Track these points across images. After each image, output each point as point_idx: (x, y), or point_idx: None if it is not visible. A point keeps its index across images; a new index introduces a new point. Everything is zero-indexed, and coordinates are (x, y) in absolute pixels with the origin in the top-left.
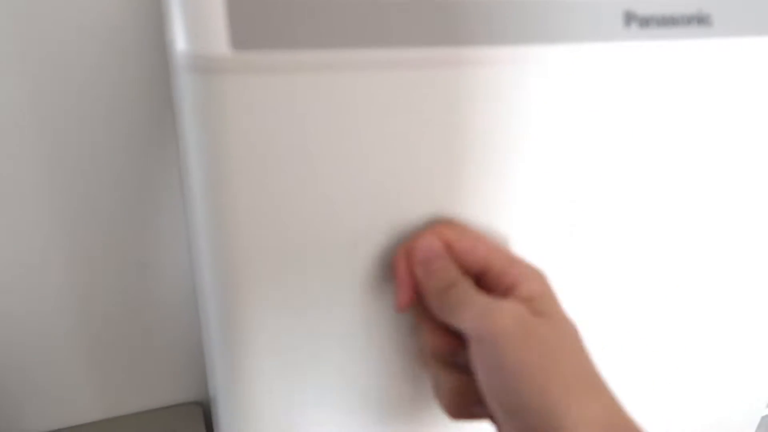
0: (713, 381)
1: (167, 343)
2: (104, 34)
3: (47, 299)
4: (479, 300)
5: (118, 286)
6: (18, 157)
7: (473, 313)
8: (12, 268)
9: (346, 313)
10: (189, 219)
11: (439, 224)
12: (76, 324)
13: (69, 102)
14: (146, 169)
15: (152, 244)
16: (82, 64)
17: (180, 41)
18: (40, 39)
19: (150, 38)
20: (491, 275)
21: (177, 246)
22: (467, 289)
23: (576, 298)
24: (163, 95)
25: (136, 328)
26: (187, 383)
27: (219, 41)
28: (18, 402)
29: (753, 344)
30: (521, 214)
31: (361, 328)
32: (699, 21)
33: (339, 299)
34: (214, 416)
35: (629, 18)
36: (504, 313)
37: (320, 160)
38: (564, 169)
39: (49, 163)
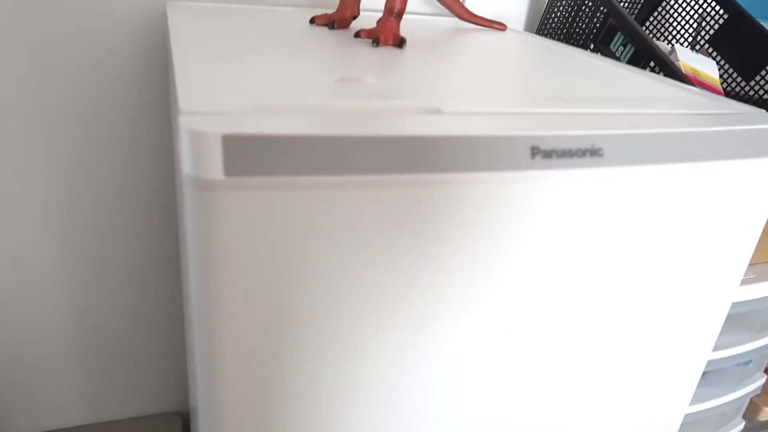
0: (637, 385)
1: (152, 356)
2: (119, 86)
3: (40, 307)
4: None
5: (110, 300)
6: (19, 165)
7: None
8: (7, 281)
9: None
10: (182, 245)
11: None
12: (67, 333)
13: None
14: (143, 192)
15: (143, 264)
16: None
17: (186, 166)
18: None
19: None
20: None
21: (167, 268)
22: None
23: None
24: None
25: (123, 339)
26: (168, 394)
27: (216, 169)
28: (6, 404)
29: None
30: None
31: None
32: (592, 153)
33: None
34: (193, 427)
35: (535, 151)
36: None
37: (288, 257)
38: (482, 266)
39: (51, 180)
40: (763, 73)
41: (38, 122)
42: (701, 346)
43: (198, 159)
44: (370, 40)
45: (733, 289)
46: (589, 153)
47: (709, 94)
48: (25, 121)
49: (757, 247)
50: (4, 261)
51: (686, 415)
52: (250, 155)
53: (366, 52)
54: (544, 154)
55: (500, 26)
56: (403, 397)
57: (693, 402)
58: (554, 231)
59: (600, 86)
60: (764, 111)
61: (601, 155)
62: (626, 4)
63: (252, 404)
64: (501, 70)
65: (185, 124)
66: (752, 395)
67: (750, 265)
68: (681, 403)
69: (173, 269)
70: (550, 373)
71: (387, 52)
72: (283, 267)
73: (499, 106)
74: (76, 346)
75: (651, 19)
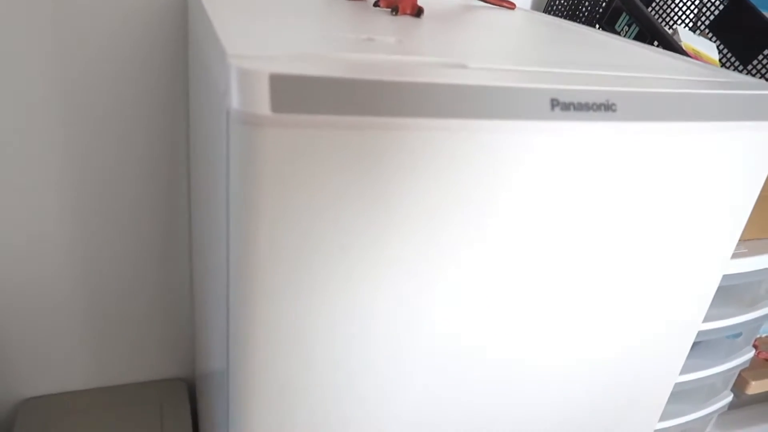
0: (607, 397)
1: (159, 322)
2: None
3: (46, 272)
4: None
5: (115, 266)
6: (33, 137)
7: None
8: (13, 247)
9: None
10: (194, 213)
11: None
12: (73, 299)
13: (96, 100)
14: (154, 163)
15: (154, 229)
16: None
17: (235, 103)
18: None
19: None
20: None
21: (178, 234)
22: None
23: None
24: (175, 98)
25: (132, 305)
26: (173, 360)
27: (263, 106)
28: (12, 367)
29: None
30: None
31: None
32: (606, 108)
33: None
34: (199, 392)
35: (554, 103)
36: None
37: (325, 192)
38: (494, 216)
39: (63, 147)
40: (760, 57)
41: (54, 90)
42: (694, 312)
43: (246, 96)
44: (389, 9)
45: (728, 252)
46: (603, 107)
47: (711, 66)
48: (41, 89)
49: (751, 222)
50: (10, 228)
51: (676, 384)
52: (295, 94)
53: (386, 19)
54: (563, 106)
55: (510, 5)
56: (428, 329)
57: (683, 372)
58: (568, 181)
59: (610, 55)
60: (764, 80)
61: (614, 110)
62: None
63: (286, 343)
64: (516, 40)
65: (235, 64)
66: (741, 368)
67: (742, 240)
68: (672, 371)
69: (180, 235)
70: (547, 329)
71: (406, 20)
72: (319, 201)
73: (520, 65)
74: (81, 312)
75: (653, 4)
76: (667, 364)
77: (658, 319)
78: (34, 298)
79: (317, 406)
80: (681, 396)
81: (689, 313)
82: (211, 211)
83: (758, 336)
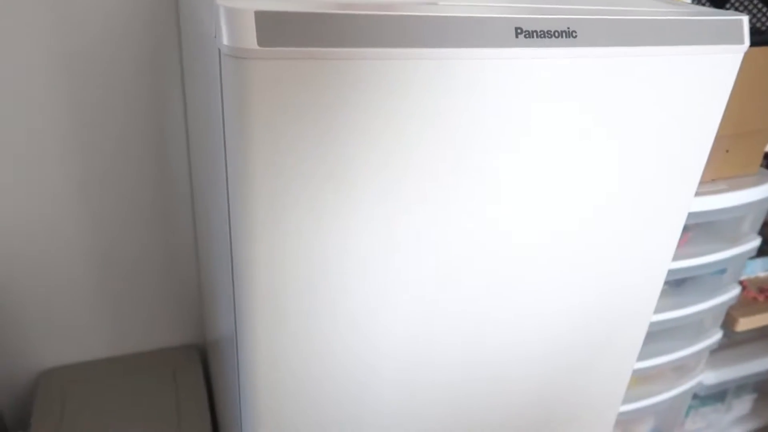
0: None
1: (167, 289)
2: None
3: (58, 244)
4: None
5: (126, 237)
6: (39, 109)
7: None
8: (26, 221)
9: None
10: (196, 176)
11: None
12: (88, 269)
13: (92, 72)
14: (154, 128)
15: (159, 200)
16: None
17: (225, 39)
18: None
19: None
20: None
21: (181, 203)
22: None
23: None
24: (172, 65)
25: (142, 277)
26: (185, 327)
27: (250, 40)
28: (31, 339)
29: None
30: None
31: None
32: (567, 35)
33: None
34: (211, 358)
35: (518, 31)
36: None
37: (311, 121)
38: (463, 145)
39: (67, 121)
40: (733, 0)
41: (57, 66)
42: (664, 244)
43: (234, 33)
44: None
45: (694, 181)
46: (564, 34)
47: (678, 2)
48: (45, 64)
49: (731, 159)
50: (22, 205)
51: (666, 321)
52: (279, 29)
53: None
54: (526, 34)
55: None
56: (419, 256)
57: (672, 308)
58: (533, 108)
59: None
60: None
61: (575, 36)
62: None
63: (285, 281)
64: None
65: (222, 4)
66: (728, 305)
67: (723, 178)
68: (646, 309)
69: (183, 199)
70: (519, 262)
71: None
72: (307, 130)
73: (487, 1)
74: (94, 284)
75: None
76: (641, 300)
77: (629, 252)
78: (47, 273)
79: (323, 349)
80: (672, 333)
81: (659, 245)
82: (211, 151)
83: (747, 277)
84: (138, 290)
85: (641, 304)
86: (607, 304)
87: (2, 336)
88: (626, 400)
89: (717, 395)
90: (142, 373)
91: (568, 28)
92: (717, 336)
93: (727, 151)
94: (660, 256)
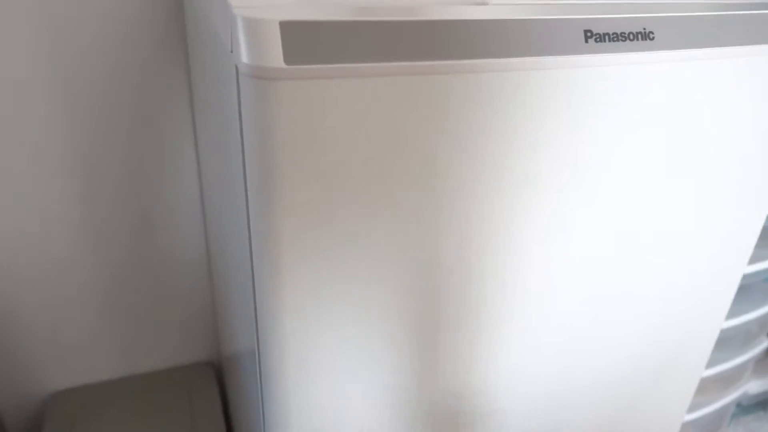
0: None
1: (180, 306)
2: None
3: (67, 262)
4: None
5: (134, 252)
6: (38, 124)
7: None
8: (33, 239)
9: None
10: (206, 189)
11: None
12: (95, 287)
13: (92, 67)
14: (160, 136)
15: (168, 213)
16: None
17: (245, 56)
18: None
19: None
20: None
21: (191, 217)
22: None
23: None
24: (177, 61)
25: (152, 292)
26: (198, 343)
27: (276, 57)
28: (40, 361)
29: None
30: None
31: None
32: (643, 37)
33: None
34: (227, 375)
35: (588, 35)
36: None
37: (345, 145)
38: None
39: (68, 127)
40: None
41: (56, 65)
42: (739, 251)
43: (256, 48)
44: None
45: None
46: (641, 36)
47: None
48: (44, 64)
49: None
50: (23, 221)
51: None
52: (309, 42)
53: None
54: (597, 37)
55: None
56: (477, 271)
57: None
58: (606, 116)
59: None
60: None
61: (652, 38)
62: None
63: (314, 312)
64: None
65: (242, 13)
66: None
67: None
68: (718, 316)
69: (194, 214)
70: (594, 270)
71: None
72: (339, 154)
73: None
74: (101, 302)
75: None
76: (712, 309)
77: (703, 259)
78: (53, 293)
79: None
80: (719, 344)
81: (734, 252)
82: (227, 176)
83: None
84: (148, 307)
85: (712, 317)
86: (678, 321)
87: (10, 359)
88: None
89: (760, 403)
90: (156, 392)
91: (644, 28)
92: (764, 345)
93: None
94: (735, 266)
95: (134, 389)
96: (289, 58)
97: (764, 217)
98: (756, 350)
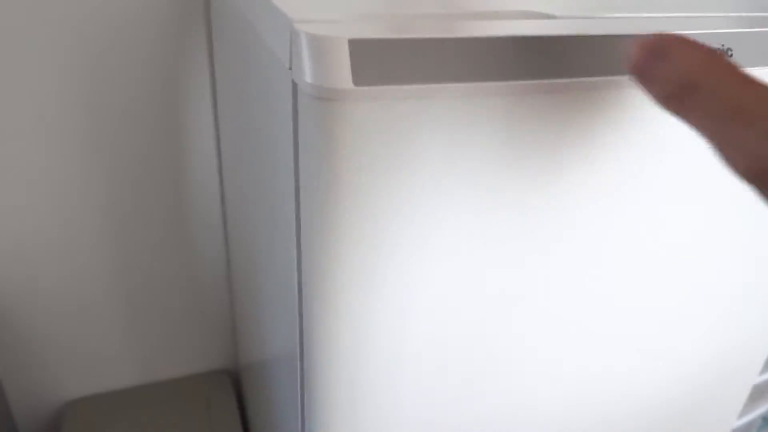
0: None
1: (197, 311)
2: None
3: (83, 269)
4: None
5: (152, 259)
6: (56, 129)
7: None
8: (51, 248)
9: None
10: (229, 197)
11: None
12: (112, 294)
13: (109, 50)
14: (180, 148)
15: (187, 221)
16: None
17: (308, 74)
18: None
19: None
20: None
21: (211, 223)
22: None
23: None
24: (200, 41)
25: (169, 300)
26: (215, 352)
27: (344, 78)
28: (55, 369)
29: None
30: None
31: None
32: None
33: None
34: (246, 383)
35: None
36: None
37: (415, 173)
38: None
39: (87, 144)
40: None
41: (74, 71)
42: None
43: (322, 68)
44: None
45: None
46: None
47: None
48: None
49: None
50: (42, 226)
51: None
52: (380, 62)
53: None
54: None
55: None
56: (524, 311)
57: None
58: (678, 136)
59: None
60: None
61: (730, 55)
62: None
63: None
64: None
65: (305, 29)
66: None
67: None
68: (752, 368)
69: (214, 225)
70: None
71: None
72: (407, 177)
73: (613, 11)
74: (118, 309)
75: None
76: (748, 360)
77: (744, 301)
78: (69, 300)
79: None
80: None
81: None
82: (266, 190)
83: None
84: (165, 314)
85: (751, 354)
86: (714, 363)
87: (26, 367)
88: None
89: None
90: (173, 400)
91: (723, 45)
92: None
93: None
94: None
95: (151, 397)
96: (358, 79)
97: None
98: None
